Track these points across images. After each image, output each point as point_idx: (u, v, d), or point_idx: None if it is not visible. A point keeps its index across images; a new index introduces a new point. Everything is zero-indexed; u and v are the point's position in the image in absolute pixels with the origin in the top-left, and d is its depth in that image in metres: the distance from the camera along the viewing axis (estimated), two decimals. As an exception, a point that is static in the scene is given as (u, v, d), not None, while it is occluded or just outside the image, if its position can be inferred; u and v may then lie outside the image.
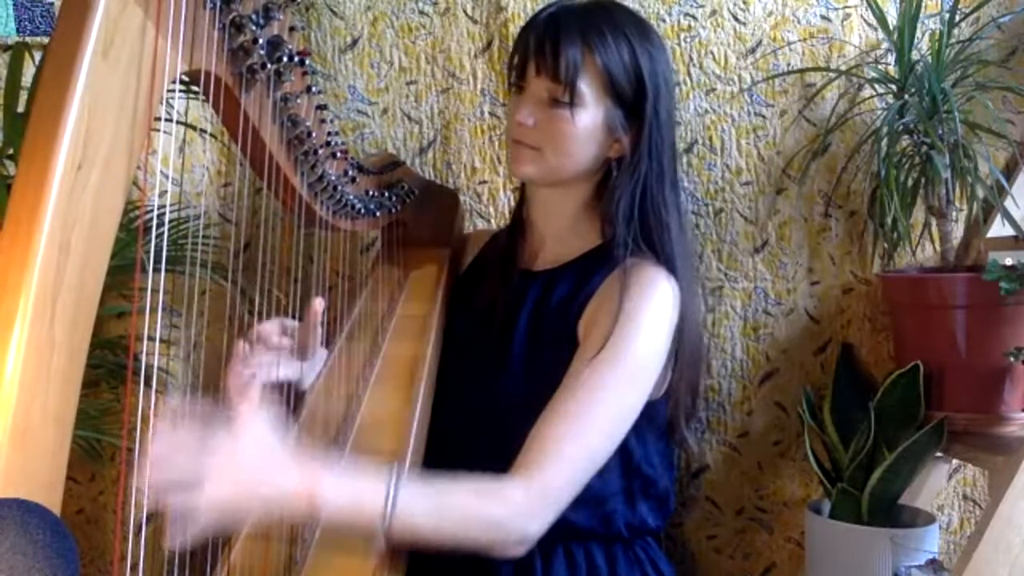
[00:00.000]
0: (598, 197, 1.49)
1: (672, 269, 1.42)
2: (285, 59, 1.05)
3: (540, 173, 1.46)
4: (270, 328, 1.38)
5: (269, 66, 1.03)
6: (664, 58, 1.47)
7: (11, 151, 1.54)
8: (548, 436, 1.27)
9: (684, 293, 1.42)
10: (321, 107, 1.24)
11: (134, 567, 0.95)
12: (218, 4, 0.92)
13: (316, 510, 1.10)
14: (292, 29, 1.08)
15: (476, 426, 1.41)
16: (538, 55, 1.40)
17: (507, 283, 1.53)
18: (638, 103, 1.42)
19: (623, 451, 1.36)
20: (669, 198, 1.47)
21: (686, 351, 1.44)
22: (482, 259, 1.69)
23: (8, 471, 0.68)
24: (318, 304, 1.34)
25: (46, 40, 1.84)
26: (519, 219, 1.61)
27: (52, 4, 1.87)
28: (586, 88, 1.39)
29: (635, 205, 1.44)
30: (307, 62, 1.11)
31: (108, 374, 1.81)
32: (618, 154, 1.45)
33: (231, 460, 1.03)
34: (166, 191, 1.84)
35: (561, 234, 1.53)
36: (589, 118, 1.41)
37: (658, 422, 1.45)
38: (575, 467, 1.28)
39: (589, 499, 1.32)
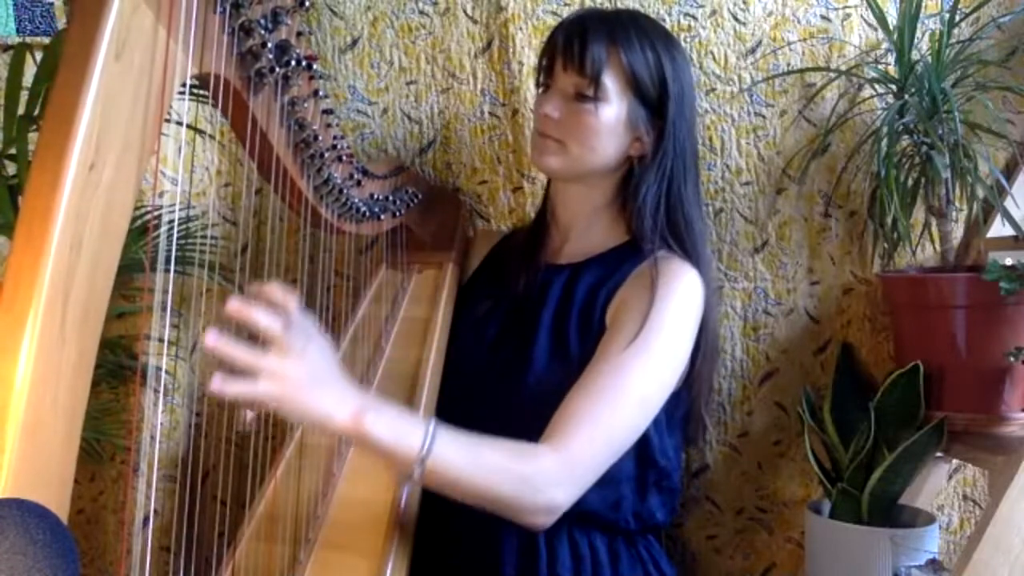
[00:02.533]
0: (621, 195, 1.54)
1: (698, 264, 1.47)
2: (293, 63, 1.06)
3: (563, 166, 1.51)
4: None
5: (277, 70, 1.05)
6: (687, 67, 1.54)
7: (12, 151, 1.53)
8: (577, 413, 1.31)
9: (708, 287, 1.47)
10: (327, 111, 1.25)
11: (137, 566, 0.95)
12: (228, 8, 0.93)
13: (361, 434, 1.13)
14: (299, 34, 1.09)
15: (498, 416, 1.40)
16: (566, 51, 1.48)
17: (533, 274, 1.56)
18: (661, 103, 1.48)
19: (641, 438, 1.39)
20: (692, 196, 1.52)
21: (708, 343, 1.48)
22: (496, 256, 1.72)
23: (20, 465, 0.68)
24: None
25: (46, 40, 1.84)
26: (543, 216, 1.65)
27: (52, 4, 1.86)
28: (610, 83, 1.46)
29: (661, 201, 1.50)
30: (314, 67, 1.12)
31: (108, 374, 1.81)
32: (639, 152, 1.50)
33: (297, 361, 1.07)
34: (167, 191, 1.84)
35: (585, 229, 1.58)
36: (613, 113, 1.47)
37: (676, 415, 1.48)
38: (602, 445, 1.31)
39: (600, 479, 1.33)
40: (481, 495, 1.23)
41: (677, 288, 1.41)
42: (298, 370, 1.06)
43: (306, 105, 1.16)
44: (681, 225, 1.49)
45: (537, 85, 1.58)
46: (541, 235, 1.63)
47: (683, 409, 1.51)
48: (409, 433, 1.17)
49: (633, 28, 1.48)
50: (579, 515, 1.36)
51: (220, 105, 0.99)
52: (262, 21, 0.99)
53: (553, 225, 1.63)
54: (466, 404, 1.42)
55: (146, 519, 1.73)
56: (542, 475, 1.25)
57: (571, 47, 1.47)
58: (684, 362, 1.42)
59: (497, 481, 1.22)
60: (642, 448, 1.40)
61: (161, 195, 1.82)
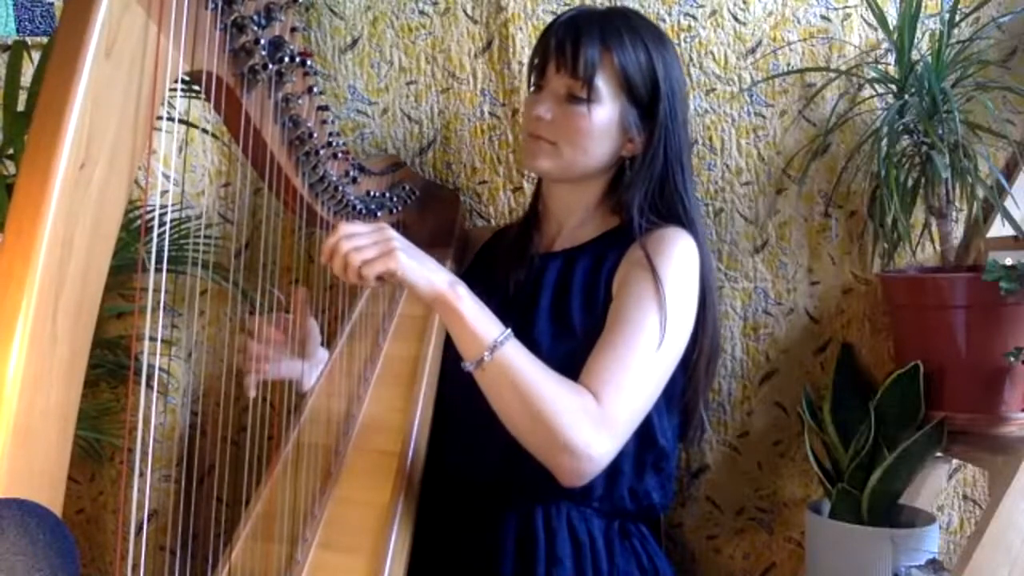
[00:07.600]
0: (612, 193, 1.54)
1: (691, 230, 1.48)
2: (287, 60, 1.06)
3: (554, 167, 1.51)
4: (266, 326, 1.44)
5: (271, 67, 1.04)
6: (677, 66, 1.53)
7: (11, 151, 1.54)
8: (605, 370, 1.32)
9: (704, 260, 1.47)
10: (322, 108, 1.25)
11: (135, 566, 0.95)
12: (220, 5, 0.92)
13: (455, 299, 1.24)
14: (294, 30, 1.08)
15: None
16: (559, 53, 1.47)
17: (526, 265, 1.57)
18: (653, 104, 1.48)
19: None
20: (685, 199, 1.51)
21: (708, 322, 1.48)
22: (490, 251, 1.72)
23: (12, 466, 0.68)
24: (302, 293, 1.35)
25: (46, 40, 1.84)
26: (535, 210, 1.65)
27: (52, 4, 1.87)
28: (603, 85, 1.45)
29: (647, 202, 1.49)
30: (309, 63, 1.12)
31: (108, 374, 1.81)
32: (631, 153, 1.50)
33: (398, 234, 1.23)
34: (166, 191, 1.84)
35: (577, 222, 1.58)
36: (605, 114, 1.46)
37: (676, 395, 1.48)
38: (632, 398, 1.33)
39: None
40: (532, 407, 1.24)
41: (672, 251, 1.42)
42: (401, 239, 1.22)
43: (300, 102, 1.16)
44: (670, 219, 1.49)
45: (528, 85, 1.57)
46: (533, 228, 1.63)
47: (681, 389, 1.50)
48: (490, 320, 1.26)
49: (625, 29, 1.48)
50: (578, 491, 1.36)
51: (213, 102, 0.99)
52: (255, 17, 0.98)
53: (545, 219, 1.63)
54: (466, 394, 1.42)
55: (143, 520, 1.73)
56: (589, 414, 1.27)
57: (564, 49, 1.46)
58: (692, 317, 1.42)
59: (551, 399, 1.25)
60: (643, 427, 1.39)
61: (162, 195, 1.82)
